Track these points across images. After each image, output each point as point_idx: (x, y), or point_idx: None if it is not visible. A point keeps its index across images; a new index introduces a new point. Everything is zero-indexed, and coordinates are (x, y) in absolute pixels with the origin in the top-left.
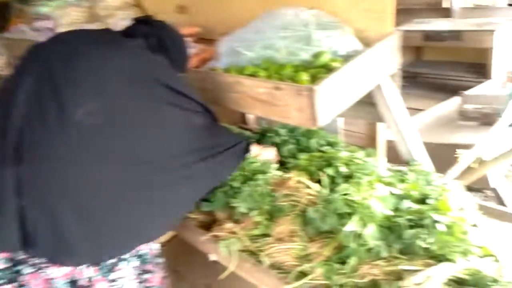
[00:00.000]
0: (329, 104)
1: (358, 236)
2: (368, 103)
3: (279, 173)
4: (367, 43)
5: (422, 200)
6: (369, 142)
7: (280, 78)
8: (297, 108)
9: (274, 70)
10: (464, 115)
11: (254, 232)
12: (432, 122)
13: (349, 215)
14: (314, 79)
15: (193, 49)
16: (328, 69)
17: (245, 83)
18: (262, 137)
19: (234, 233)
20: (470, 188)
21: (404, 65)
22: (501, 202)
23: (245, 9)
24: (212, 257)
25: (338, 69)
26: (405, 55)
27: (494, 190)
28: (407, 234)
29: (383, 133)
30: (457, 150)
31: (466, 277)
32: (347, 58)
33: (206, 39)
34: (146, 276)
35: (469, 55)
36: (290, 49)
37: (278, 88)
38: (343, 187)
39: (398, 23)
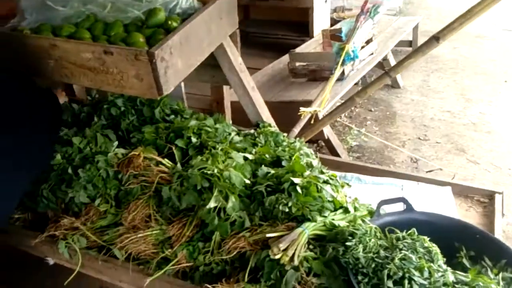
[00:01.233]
0: (173, 69)
1: (220, 210)
2: (210, 65)
3: (122, 150)
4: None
5: (276, 163)
6: (215, 106)
7: (109, 41)
8: (135, 76)
9: (100, 30)
10: (294, 72)
11: (101, 223)
12: (268, 81)
13: (209, 189)
14: (152, 41)
15: None
16: (165, 29)
17: (64, 47)
18: (95, 110)
19: (75, 228)
20: (307, 141)
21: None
22: (334, 152)
23: None
24: (51, 260)
25: (179, 28)
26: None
27: (327, 141)
28: (268, 201)
29: (228, 96)
30: (296, 107)
31: (324, 233)
32: (184, 16)
33: None
34: None
35: (292, 14)
36: (116, 5)
37: (109, 52)
38: (198, 160)
39: None
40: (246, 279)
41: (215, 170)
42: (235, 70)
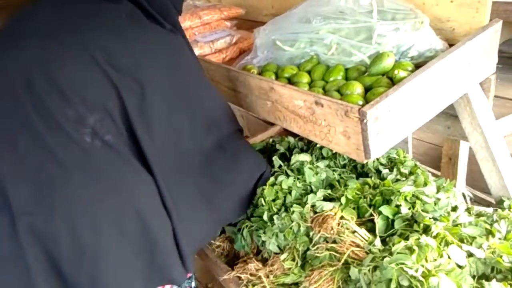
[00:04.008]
0: (388, 131)
1: None
2: (447, 113)
3: (324, 204)
4: (451, 38)
5: None
6: (446, 162)
7: (324, 88)
8: (342, 132)
9: (319, 75)
10: None
11: (283, 280)
12: None
13: None
14: (369, 95)
15: (230, 36)
16: (391, 78)
17: (280, 91)
18: (308, 147)
19: (259, 277)
20: None
21: (501, 43)
22: None
23: None
24: None
25: (405, 80)
26: (504, 32)
27: None
28: None
29: (465, 155)
30: None
31: None
32: (420, 61)
33: (251, 21)
34: None
35: None
36: (342, 47)
37: (319, 104)
38: (400, 247)
39: None
40: None
41: (419, 271)
42: (479, 127)
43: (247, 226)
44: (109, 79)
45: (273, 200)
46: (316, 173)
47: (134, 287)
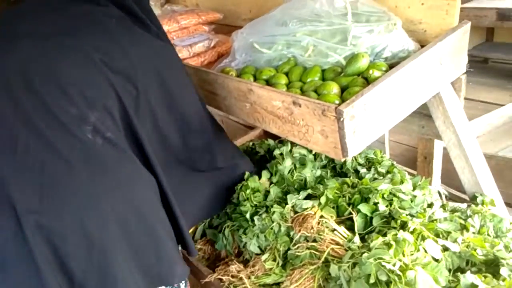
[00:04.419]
0: (364, 129)
1: None
2: (420, 113)
3: (304, 202)
4: (422, 39)
5: (490, 265)
6: (421, 161)
7: (302, 88)
8: (320, 131)
9: (297, 76)
10: None
11: (264, 281)
12: (503, 125)
13: (386, 284)
14: (346, 94)
15: (208, 40)
16: (366, 78)
17: (258, 92)
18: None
19: (241, 278)
20: None
21: (471, 47)
22: None
23: None
24: None
25: (379, 80)
26: (474, 37)
27: None
28: None
29: (439, 153)
30: None
31: None
32: (393, 61)
33: (229, 25)
34: None
35: None
36: (319, 48)
37: (297, 104)
38: (378, 242)
39: None
40: None
41: (397, 265)
42: (452, 125)
43: (228, 225)
44: (107, 79)
45: (253, 193)
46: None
47: (138, 283)
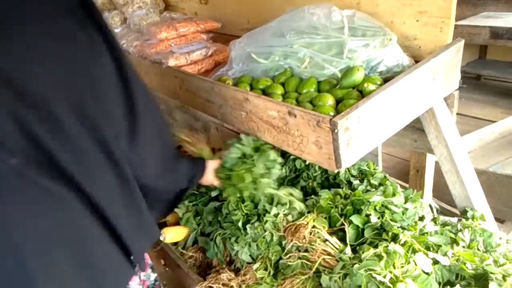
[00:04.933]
0: (358, 141)
1: None
2: (413, 127)
3: (302, 207)
4: (417, 55)
5: (479, 280)
6: (413, 174)
7: (298, 99)
8: (314, 142)
9: (293, 87)
10: None
11: None
12: (494, 141)
13: None
14: (341, 106)
15: (206, 49)
16: (361, 91)
17: (254, 102)
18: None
19: (232, 287)
20: None
21: (464, 64)
22: None
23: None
24: None
25: (374, 93)
26: (467, 54)
27: None
28: None
29: (431, 167)
30: None
31: None
32: (388, 75)
33: (227, 35)
34: None
35: None
36: (315, 60)
37: (292, 114)
38: (370, 254)
39: (459, 16)
40: None
41: (388, 277)
42: (444, 140)
43: (219, 233)
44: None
45: (243, 202)
46: None
47: None
